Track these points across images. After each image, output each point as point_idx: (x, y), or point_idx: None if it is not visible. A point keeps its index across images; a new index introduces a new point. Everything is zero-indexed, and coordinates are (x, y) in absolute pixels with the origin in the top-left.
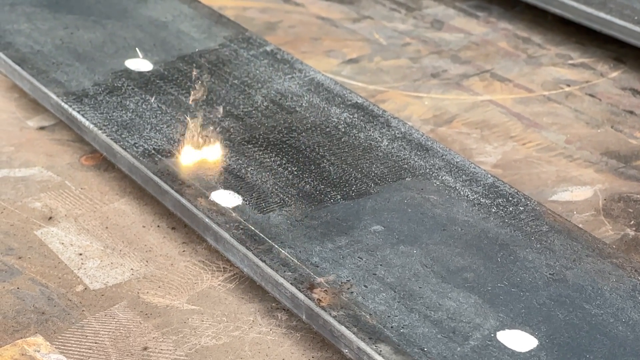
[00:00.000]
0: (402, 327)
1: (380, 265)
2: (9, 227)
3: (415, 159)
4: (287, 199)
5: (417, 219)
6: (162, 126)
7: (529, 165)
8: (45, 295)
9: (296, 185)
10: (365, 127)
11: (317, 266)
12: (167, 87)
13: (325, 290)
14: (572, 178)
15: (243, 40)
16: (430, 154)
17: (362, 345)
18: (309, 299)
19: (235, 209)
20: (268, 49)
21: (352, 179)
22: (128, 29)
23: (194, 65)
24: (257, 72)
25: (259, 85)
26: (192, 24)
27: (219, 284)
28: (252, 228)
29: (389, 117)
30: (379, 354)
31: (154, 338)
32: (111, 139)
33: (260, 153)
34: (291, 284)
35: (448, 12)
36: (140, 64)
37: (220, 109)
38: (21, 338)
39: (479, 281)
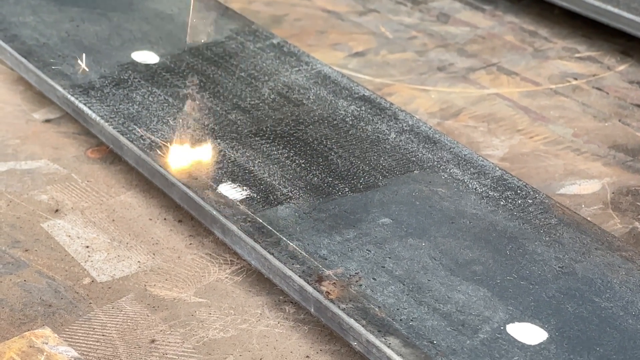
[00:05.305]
0: (411, 320)
1: (389, 258)
2: (15, 219)
3: (423, 152)
4: (294, 191)
5: (425, 211)
6: (168, 118)
7: (536, 158)
8: (52, 288)
9: (304, 177)
10: (372, 120)
11: (326, 259)
12: (174, 80)
13: (334, 282)
14: (580, 171)
15: (249, 33)
16: (438, 147)
17: (371, 337)
18: (318, 291)
19: (242, 201)
20: (275, 41)
21: (359, 172)
22: (134, 21)
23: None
24: (264, 64)
25: (266, 78)
26: (198, 17)
27: (226, 277)
28: (260, 221)
29: (397, 110)
30: (388, 347)
31: (161, 331)
32: (118, 131)
33: (268, 146)
34: (299, 276)
35: (454, 6)
36: (146, 56)
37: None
38: (29, 330)
39: (488, 274)
